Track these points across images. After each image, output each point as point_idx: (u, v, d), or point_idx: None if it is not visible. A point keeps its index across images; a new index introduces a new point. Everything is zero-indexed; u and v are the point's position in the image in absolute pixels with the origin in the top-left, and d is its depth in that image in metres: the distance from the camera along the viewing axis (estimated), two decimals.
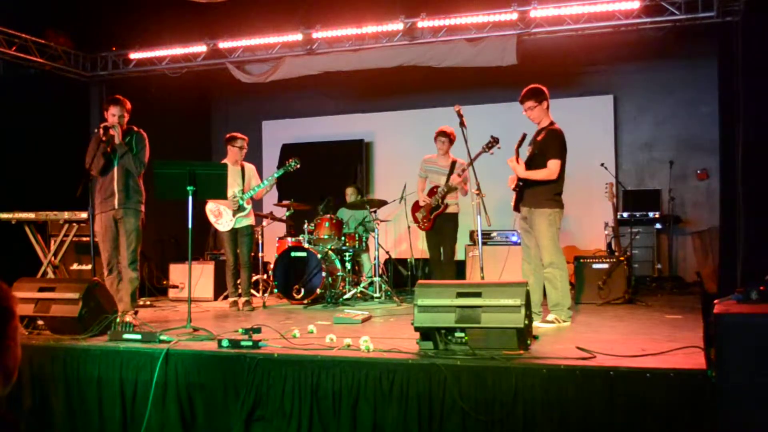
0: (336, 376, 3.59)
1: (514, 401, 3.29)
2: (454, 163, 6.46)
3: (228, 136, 6.68)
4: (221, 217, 6.49)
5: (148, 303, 7.11)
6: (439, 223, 6.49)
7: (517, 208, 5.11)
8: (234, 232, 6.51)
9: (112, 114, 5.32)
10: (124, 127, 5.40)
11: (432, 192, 6.50)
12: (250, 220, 6.58)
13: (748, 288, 3.00)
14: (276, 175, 6.58)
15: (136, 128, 5.48)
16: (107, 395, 4.03)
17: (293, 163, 6.53)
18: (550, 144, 4.91)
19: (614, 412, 3.15)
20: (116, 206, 5.28)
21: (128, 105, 5.42)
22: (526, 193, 5.00)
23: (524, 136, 5.08)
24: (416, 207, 6.68)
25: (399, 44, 7.67)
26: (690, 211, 8.65)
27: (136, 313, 5.38)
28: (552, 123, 5.04)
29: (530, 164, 4.95)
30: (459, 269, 7.73)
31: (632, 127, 8.94)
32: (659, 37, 7.30)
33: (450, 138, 6.55)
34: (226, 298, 7.30)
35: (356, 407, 3.54)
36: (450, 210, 6.48)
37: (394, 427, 3.46)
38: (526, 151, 5.19)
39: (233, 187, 6.43)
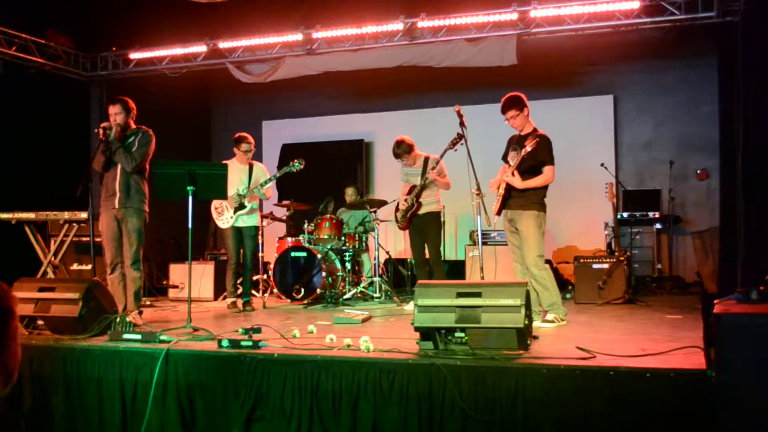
0: (336, 376, 3.59)
1: (514, 401, 3.28)
2: (426, 160, 6.30)
3: (236, 136, 6.66)
4: (222, 214, 6.49)
5: (148, 303, 7.10)
6: (420, 223, 6.34)
7: (499, 212, 5.10)
8: (238, 231, 6.50)
9: (110, 114, 5.35)
10: (131, 126, 5.38)
11: (411, 192, 6.37)
12: (255, 221, 6.56)
13: (748, 288, 3.00)
14: (278, 174, 6.56)
15: (145, 128, 5.44)
16: (107, 395, 4.03)
17: (297, 164, 6.50)
18: (543, 150, 4.91)
19: (614, 412, 3.15)
20: (116, 206, 5.28)
21: (130, 104, 5.40)
22: (513, 197, 5.00)
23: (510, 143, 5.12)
24: (397, 207, 6.56)
25: (399, 44, 7.67)
26: (690, 211, 8.66)
27: (140, 312, 5.38)
28: (535, 129, 5.05)
29: (523, 171, 4.93)
30: (459, 269, 7.75)
31: (632, 127, 8.95)
32: (659, 37, 7.31)
33: (404, 150, 6.33)
34: (225, 298, 7.30)
35: (356, 407, 3.54)
36: (429, 209, 6.31)
37: (394, 427, 3.46)
38: (504, 155, 5.22)
39: (239, 186, 6.44)
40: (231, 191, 6.38)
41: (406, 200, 6.38)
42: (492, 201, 5.15)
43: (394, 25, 7.49)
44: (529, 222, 4.93)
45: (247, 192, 6.45)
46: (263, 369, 3.73)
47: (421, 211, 6.32)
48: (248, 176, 6.57)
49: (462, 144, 5.45)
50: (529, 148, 4.81)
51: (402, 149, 6.37)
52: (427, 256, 6.48)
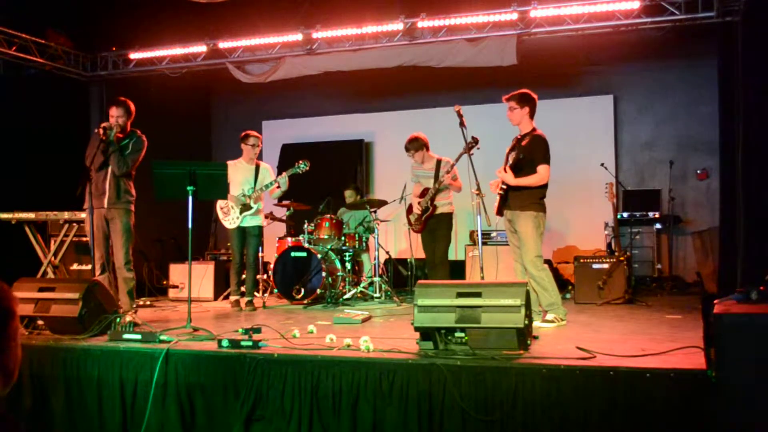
0: (336, 376, 3.59)
1: (514, 401, 3.28)
2: (439, 162, 6.37)
3: (243, 134, 6.69)
4: (229, 214, 6.50)
5: (148, 303, 7.11)
6: (432, 224, 6.40)
7: (500, 213, 5.11)
8: (242, 231, 6.50)
9: (111, 115, 5.39)
10: (128, 129, 5.42)
11: (423, 194, 6.43)
12: (259, 221, 6.57)
13: (748, 288, 3.00)
14: (287, 176, 6.52)
15: (139, 132, 5.48)
16: (107, 395, 4.03)
17: (303, 165, 6.46)
18: (537, 149, 4.92)
19: (614, 412, 3.15)
20: (105, 205, 5.32)
21: (131, 107, 5.44)
22: (512, 197, 5.01)
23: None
24: (410, 210, 6.63)
25: (399, 44, 7.67)
26: (690, 211, 8.66)
27: (135, 311, 5.40)
28: (534, 129, 5.05)
29: (516, 169, 4.94)
30: (459, 269, 7.74)
31: (632, 127, 8.95)
32: (659, 37, 7.31)
33: (414, 146, 6.42)
34: (226, 297, 7.29)
35: (356, 407, 3.54)
36: (442, 210, 6.37)
37: (394, 427, 3.46)
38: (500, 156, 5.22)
39: (244, 185, 6.45)
40: (236, 191, 6.40)
41: (420, 204, 6.40)
42: (493, 201, 5.16)
43: (394, 25, 7.49)
44: (527, 222, 4.93)
45: (252, 193, 6.45)
46: (263, 369, 3.73)
47: (436, 213, 6.38)
48: (254, 176, 6.57)
49: (478, 148, 5.46)
50: (522, 146, 4.82)
51: (413, 145, 6.43)
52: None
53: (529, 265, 4.94)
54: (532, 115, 5.08)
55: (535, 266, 4.92)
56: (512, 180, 4.89)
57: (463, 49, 7.42)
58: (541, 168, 4.93)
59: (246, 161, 6.60)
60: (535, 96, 5.10)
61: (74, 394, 4.10)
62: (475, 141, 5.48)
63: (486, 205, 5.17)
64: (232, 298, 6.60)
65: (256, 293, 7.23)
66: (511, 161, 4.95)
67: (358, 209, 7.83)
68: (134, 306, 5.45)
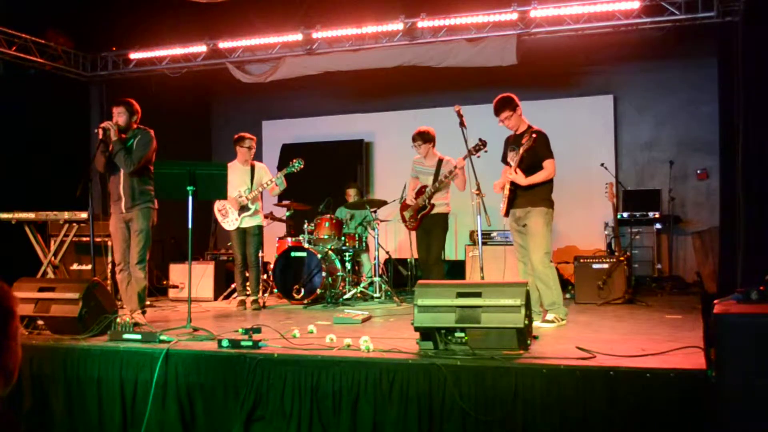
0: (336, 376, 3.59)
1: (514, 401, 3.29)
2: (440, 162, 6.29)
3: (236, 136, 6.69)
4: (227, 216, 6.52)
5: (148, 303, 7.09)
6: (427, 223, 6.30)
7: (507, 213, 5.10)
8: (242, 231, 6.54)
9: (114, 113, 5.38)
10: (133, 126, 5.40)
11: (420, 192, 6.34)
12: (258, 220, 6.60)
13: (748, 288, 3.00)
14: (283, 175, 6.53)
15: (144, 128, 5.45)
16: (107, 395, 4.03)
17: (297, 164, 6.51)
18: (540, 146, 4.92)
19: (614, 412, 3.15)
20: (124, 210, 5.31)
21: (135, 106, 5.43)
22: (521, 195, 5.01)
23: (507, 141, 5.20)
24: (404, 206, 6.50)
25: (399, 44, 7.68)
26: (690, 211, 8.65)
27: (144, 312, 5.41)
28: (530, 126, 5.06)
29: (524, 169, 4.93)
30: (459, 269, 7.74)
31: (632, 127, 8.94)
32: (659, 37, 7.31)
33: (423, 138, 6.34)
34: (226, 298, 7.30)
35: (356, 407, 3.54)
36: (439, 210, 6.28)
37: (394, 427, 3.46)
38: (503, 157, 5.25)
39: (241, 187, 6.47)
40: (233, 193, 6.40)
41: (416, 200, 6.34)
42: (493, 201, 5.16)
43: (394, 25, 7.50)
44: (538, 219, 4.94)
45: (249, 193, 6.46)
46: (263, 369, 3.73)
47: (432, 213, 6.32)
48: (250, 177, 6.58)
49: (486, 151, 5.44)
50: (527, 145, 4.82)
51: (423, 137, 6.33)
52: None
53: (536, 261, 4.93)
54: (521, 113, 5.10)
55: (542, 263, 4.92)
56: (524, 180, 4.89)
57: (463, 49, 7.42)
58: (548, 163, 4.94)
59: (241, 163, 6.61)
60: (514, 95, 5.10)
61: (74, 394, 4.10)
62: (483, 144, 5.46)
63: (486, 205, 5.17)
64: (238, 298, 6.64)
65: None
66: (515, 162, 4.94)
67: (358, 209, 7.83)
68: (143, 308, 5.43)
